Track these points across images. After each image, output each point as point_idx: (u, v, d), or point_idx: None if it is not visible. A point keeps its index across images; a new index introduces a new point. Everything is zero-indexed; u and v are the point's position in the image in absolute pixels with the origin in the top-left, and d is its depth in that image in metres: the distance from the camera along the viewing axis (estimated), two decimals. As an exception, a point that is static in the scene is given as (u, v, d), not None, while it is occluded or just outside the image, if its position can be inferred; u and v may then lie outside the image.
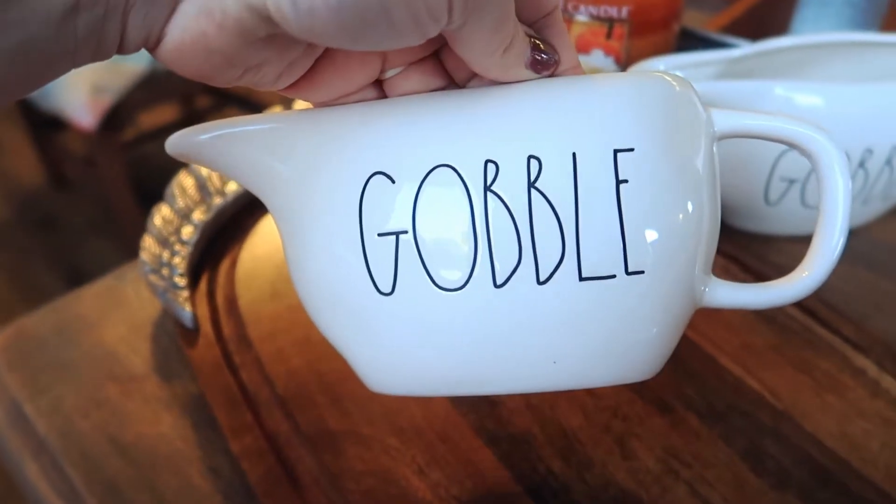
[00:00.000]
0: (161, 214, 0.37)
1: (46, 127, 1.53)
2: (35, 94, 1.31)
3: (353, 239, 0.21)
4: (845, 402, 0.29)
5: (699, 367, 0.31)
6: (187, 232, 0.36)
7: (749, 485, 0.26)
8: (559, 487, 0.26)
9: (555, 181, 0.20)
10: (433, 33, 0.16)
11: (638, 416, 0.29)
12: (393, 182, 0.20)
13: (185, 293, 0.33)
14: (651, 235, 0.20)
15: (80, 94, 1.22)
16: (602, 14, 0.40)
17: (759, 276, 0.35)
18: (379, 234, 0.20)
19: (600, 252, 0.20)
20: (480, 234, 0.20)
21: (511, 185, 0.20)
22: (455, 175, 0.20)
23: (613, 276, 0.20)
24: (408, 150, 0.20)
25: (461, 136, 0.20)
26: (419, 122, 0.21)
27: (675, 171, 0.21)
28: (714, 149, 0.22)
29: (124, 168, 1.36)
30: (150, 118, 1.68)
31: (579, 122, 0.20)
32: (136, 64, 1.26)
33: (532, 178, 0.20)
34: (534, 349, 0.21)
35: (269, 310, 0.34)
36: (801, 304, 0.34)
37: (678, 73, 0.36)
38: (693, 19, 0.50)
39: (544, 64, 0.20)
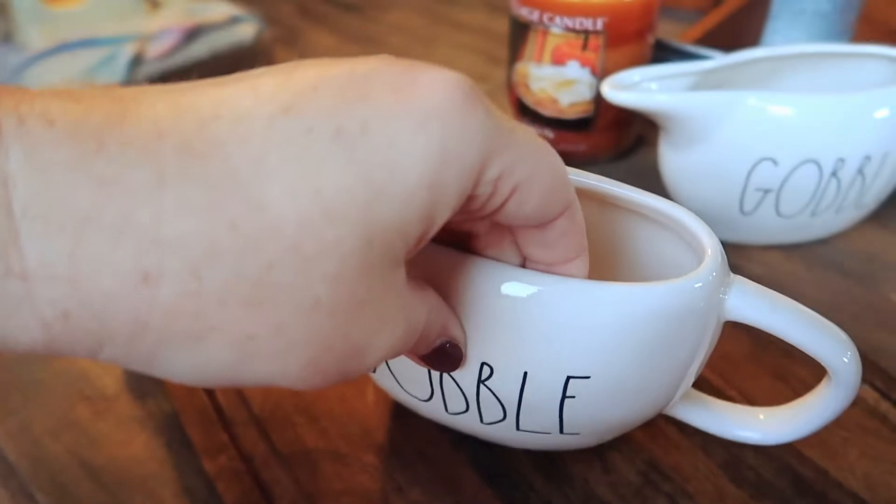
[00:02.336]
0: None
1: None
2: None
3: None
4: (823, 410, 0.29)
5: (678, 377, 0.31)
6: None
7: (729, 496, 0.26)
8: (541, 503, 0.26)
9: (503, 385, 0.22)
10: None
11: (618, 429, 0.28)
12: None
13: (159, 311, 0.33)
14: (595, 420, 0.23)
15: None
16: (577, 26, 0.40)
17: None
18: None
19: (536, 425, 0.23)
20: (436, 389, 0.23)
21: (464, 377, 0.22)
22: None
23: (549, 433, 0.23)
24: None
25: None
26: None
27: (641, 378, 0.21)
28: (716, 329, 0.22)
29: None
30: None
31: (532, 344, 0.21)
32: (111, 77, 1.24)
33: (483, 378, 0.22)
34: (496, 436, 0.25)
35: (244, 326, 0.33)
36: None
37: (653, 86, 0.37)
38: (667, 31, 0.50)
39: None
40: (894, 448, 0.28)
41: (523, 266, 0.21)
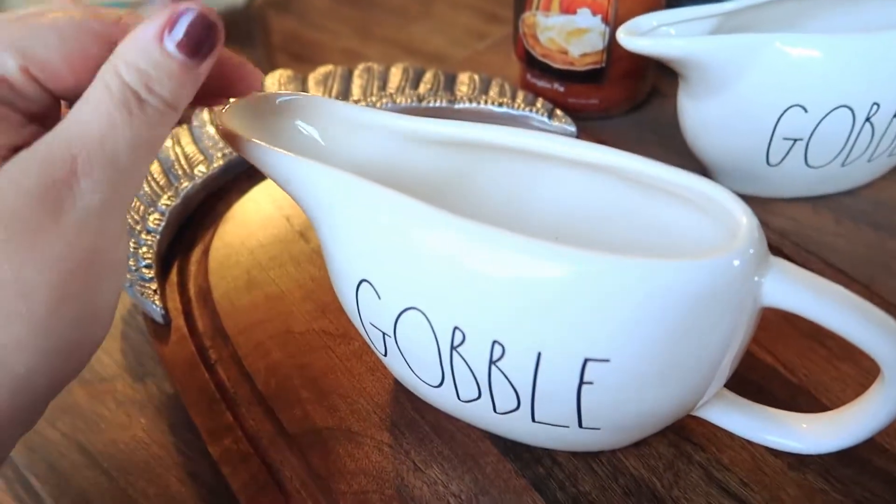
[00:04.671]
0: (125, 202, 0.34)
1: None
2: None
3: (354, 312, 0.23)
4: (861, 371, 0.28)
5: (706, 341, 0.29)
6: (154, 220, 0.34)
7: (767, 465, 0.25)
8: (566, 478, 0.24)
9: (515, 368, 0.20)
10: None
11: (645, 397, 0.27)
12: (379, 298, 0.21)
13: (154, 286, 0.31)
14: (617, 413, 0.21)
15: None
16: (588, -31, 0.37)
17: (763, 242, 0.33)
18: (371, 324, 0.23)
19: (553, 416, 0.21)
20: (447, 372, 0.21)
21: (475, 357, 0.20)
22: (425, 321, 0.20)
23: (567, 427, 0.22)
24: (384, 294, 0.21)
25: (438, 293, 0.20)
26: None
27: (666, 365, 0.19)
28: (752, 316, 0.20)
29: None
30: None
31: (546, 321, 0.19)
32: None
33: (494, 358, 0.20)
34: (512, 430, 0.24)
35: (245, 301, 0.31)
36: (807, 269, 0.32)
37: (671, 31, 0.34)
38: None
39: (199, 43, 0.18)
40: (939, 409, 0.26)
41: None
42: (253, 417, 0.27)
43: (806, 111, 0.32)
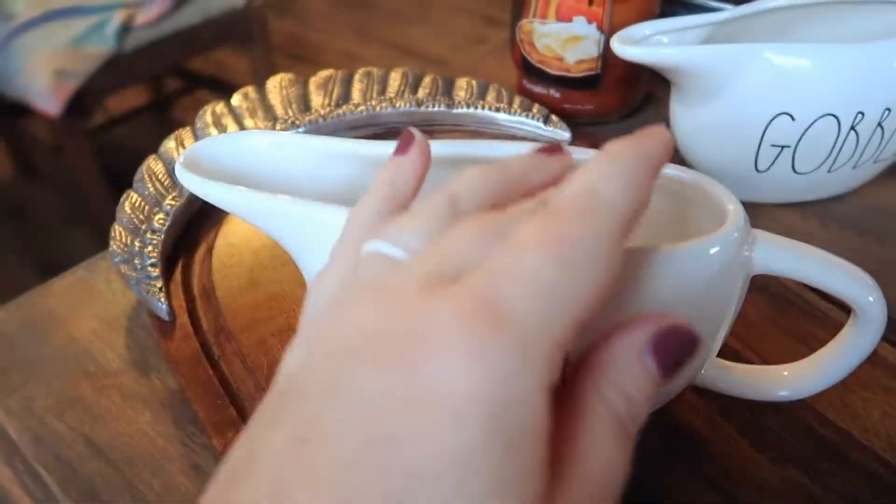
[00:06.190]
0: (130, 202, 0.35)
1: (10, 114, 1.49)
2: (-5, 81, 1.26)
3: None
4: (843, 371, 0.29)
5: (694, 341, 0.30)
6: (159, 219, 0.34)
7: (750, 460, 0.26)
8: (557, 471, 0.25)
9: None
10: None
11: (634, 394, 0.28)
12: None
13: (159, 283, 0.32)
14: None
15: (43, 80, 1.18)
16: (583, -21, 0.38)
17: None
18: None
19: None
20: None
21: None
22: None
23: None
24: None
25: None
26: None
27: None
28: (743, 287, 0.22)
29: (92, 154, 1.32)
30: (119, 102, 1.64)
31: None
32: (99, 46, 1.22)
33: None
34: None
35: (248, 298, 0.32)
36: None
37: (664, 40, 0.35)
38: (675, -17, 0.48)
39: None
40: (917, 408, 0.27)
41: None
42: (255, 411, 0.28)
43: (793, 119, 0.33)
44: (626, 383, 0.15)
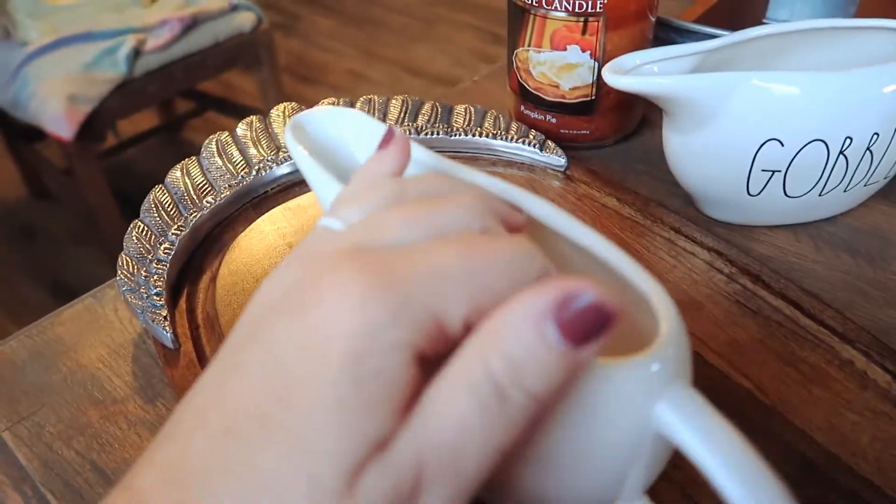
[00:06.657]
0: (137, 232, 0.36)
1: (24, 137, 1.51)
2: (11, 106, 1.29)
3: None
4: (833, 394, 0.29)
5: (686, 365, 0.31)
6: (164, 249, 0.35)
7: (740, 484, 0.26)
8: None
9: None
10: None
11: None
12: None
13: (164, 312, 0.33)
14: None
15: (56, 105, 1.20)
16: (577, 9, 0.39)
17: (744, 270, 0.34)
18: None
19: None
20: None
21: None
22: None
23: None
24: None
25: None
26: None
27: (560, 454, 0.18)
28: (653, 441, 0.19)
29: (103, 177, 1.34)
30: (130, 125, 1.66)
31: None
32: (111, 71, 1.24)
33: None
34: None
35: (250, 325, 0.33)
36: (784, 295, 0.34)
37: (654, 69, 0.36)
38: (668, 9, 0.49)
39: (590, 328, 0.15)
40: (906, 431, 0.28)
41: None
42: (256, 438, 0.28)
43: (782, 145, 0.34)
44: (513, 348, 0.15)
